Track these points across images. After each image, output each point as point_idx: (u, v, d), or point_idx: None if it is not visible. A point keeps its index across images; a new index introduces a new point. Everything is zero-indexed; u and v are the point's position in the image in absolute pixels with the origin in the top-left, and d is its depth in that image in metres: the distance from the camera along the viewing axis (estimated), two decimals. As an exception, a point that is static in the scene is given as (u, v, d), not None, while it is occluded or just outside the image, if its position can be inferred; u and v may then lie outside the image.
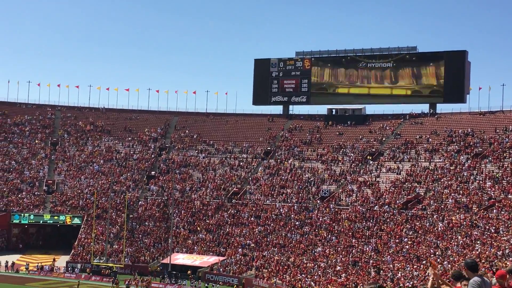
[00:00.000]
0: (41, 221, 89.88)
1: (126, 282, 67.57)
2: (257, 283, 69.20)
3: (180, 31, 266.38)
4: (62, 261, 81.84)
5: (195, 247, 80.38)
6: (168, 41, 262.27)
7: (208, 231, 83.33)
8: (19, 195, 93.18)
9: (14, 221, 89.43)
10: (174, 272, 73.23)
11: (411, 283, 53.22)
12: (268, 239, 78.45)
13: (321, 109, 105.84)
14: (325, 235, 75.50)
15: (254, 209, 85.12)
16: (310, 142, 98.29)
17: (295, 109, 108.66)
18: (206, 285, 69.76)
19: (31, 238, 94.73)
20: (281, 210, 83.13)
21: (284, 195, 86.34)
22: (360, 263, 66.06)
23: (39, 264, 78.68)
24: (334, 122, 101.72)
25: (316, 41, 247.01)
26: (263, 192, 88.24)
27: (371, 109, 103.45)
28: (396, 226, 72.40)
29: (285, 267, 70.60)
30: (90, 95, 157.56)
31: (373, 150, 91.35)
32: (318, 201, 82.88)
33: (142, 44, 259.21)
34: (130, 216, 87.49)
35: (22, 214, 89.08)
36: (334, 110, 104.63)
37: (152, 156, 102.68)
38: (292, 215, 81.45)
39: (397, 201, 77.23)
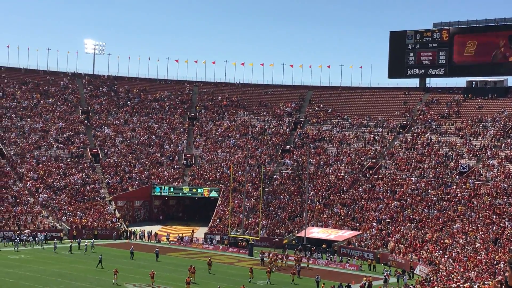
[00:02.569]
0: (180, 194, 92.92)
1: (260, 255, 68.31)
2: (393, 259, 68.41)
3: (314, 4, 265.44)
4: (200, 232, 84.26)
5: (330, 221, 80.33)
6: (301, 15, 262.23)
7: (343, 206, 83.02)
8: (160, 169, 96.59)
9: (155, 193, 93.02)
10: (309, 246, 73.59)
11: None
12: (404, 214, 77.16)
13: (460, 82, 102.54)
14: (464, 210, 73.29)
15: (389, 183, 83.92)
16: (448, 115, 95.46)
17: (432, 82, 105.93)
18: (341, 259, 69.70)
19: (171, 209, 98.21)
20: (417, 185, 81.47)
21: (420, 169, 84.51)
22: (501, 240, 63.62)
23: (180, 235, 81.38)
24: (474, 94, 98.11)
25: (454, 11, 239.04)
26: (399, 167, 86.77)
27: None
28: (541, 203, 69.06)
29: (424, 243, 69.23)
30: (226, 70, 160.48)
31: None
32: (457, 176, 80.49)
33: (277, 19, 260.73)
34: (266, 189, 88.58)
35: (163, 187, 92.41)
36: (473, 83, 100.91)
37: (287, 130, 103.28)
38: (429, 190, 79.62)
39: (542, 177, 73.64)
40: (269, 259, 64.25)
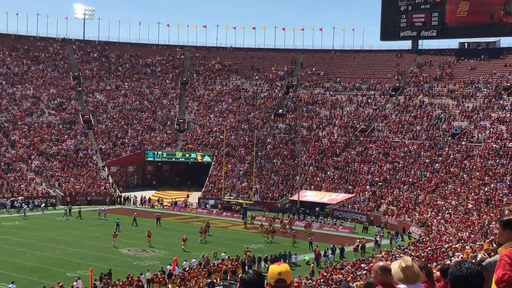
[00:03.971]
0: (173, 159, 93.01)
1: (244, 219, 69.52)
2: (385, 220, 68.89)
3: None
4: (194, 197, 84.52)
5: (323, 185, 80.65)
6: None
7: (336, 169, 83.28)
8: (152, 134, 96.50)
9: (148, 158, 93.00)
10: (302, 209, 73.92)
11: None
12: (397, 177, 77.51)
13: (452, 43, 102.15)
14: (456, 172, 73.65)
15: (382, 146, 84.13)
16: (440, 77, 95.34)
17: (424, 44, 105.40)
18: (335, 221, 70.13)
19: (164, 175, 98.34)
20: (410, 147, 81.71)
21: (413, 132, 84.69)
22: (493, 201, 64.11)
23: (173, 200, 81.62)
24: (466, 56, 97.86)
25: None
26: (392, 129, 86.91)
27: (506, 41, 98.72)
28: (532, 164, 69.43)
29: (416, 205, 69.67)
30: (218, 34, 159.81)
31: (507, 84, 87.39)
32: (449, 138, 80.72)
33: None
34: (259, 153, 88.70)
35: (156, 152, 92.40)
36: (466, 44, 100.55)
37: (279, 94, 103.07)
38: (422, 152, 79.90)
39: (534, 138, 73.90)
40: (269, 222, 64.82)
